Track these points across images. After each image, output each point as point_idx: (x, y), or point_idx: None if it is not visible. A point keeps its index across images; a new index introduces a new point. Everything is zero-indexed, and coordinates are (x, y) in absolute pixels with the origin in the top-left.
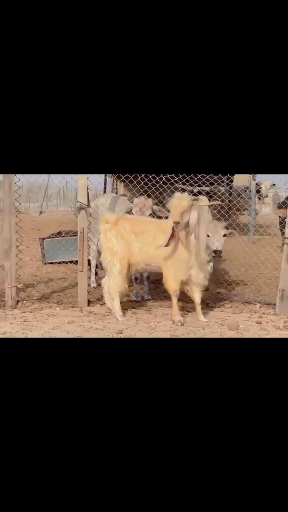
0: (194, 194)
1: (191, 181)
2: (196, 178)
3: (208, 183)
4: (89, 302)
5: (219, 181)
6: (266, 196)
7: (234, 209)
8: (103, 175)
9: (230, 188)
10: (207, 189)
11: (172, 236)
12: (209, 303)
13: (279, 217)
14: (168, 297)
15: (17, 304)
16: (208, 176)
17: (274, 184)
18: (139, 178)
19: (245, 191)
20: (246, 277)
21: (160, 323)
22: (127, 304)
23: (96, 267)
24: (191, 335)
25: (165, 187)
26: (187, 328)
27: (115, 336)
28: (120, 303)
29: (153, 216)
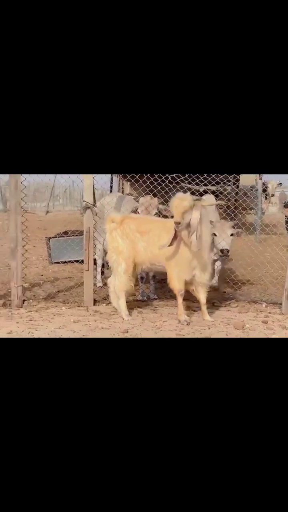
0: (200, 194)
1: (197, 180)
2: (202, 177)
3: (214, 182)
4: (95, 302)
5: (225, 180)
6: (273, 195)
7: (240, 208)
8: (109, 175)
9: (237, 187)
10: (213, 188)
11: (175, 236)
12: (215, 302)
13: (286, 216)
14: (173, 297)
15: (23, 303)
16: (214, 175)
17: (280, 183)
18: (145, 177)
19: (252, 190)
20: (252, 276)
21: (165, 323)
22: (133, 304)
23: (103, 266)
24: (197, 335)
25: (171, 186)
26: (193, 328)
27: (121, 335)
28: (126, 302)
29: (159, 215)
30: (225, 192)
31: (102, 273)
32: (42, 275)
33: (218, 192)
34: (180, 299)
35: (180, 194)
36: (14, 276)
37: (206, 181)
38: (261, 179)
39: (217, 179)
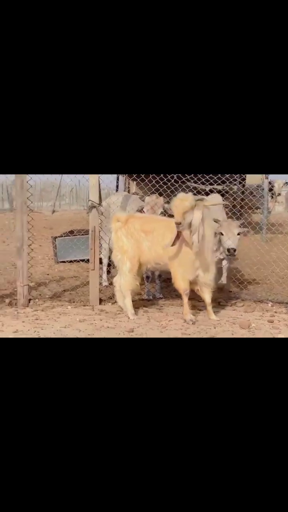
0: (206, 193)
1: (203, 180)
2: (207, 177)
3: (219, 182)
4: (100, 301)
5: (231, 180)
6: (279, 194)
7: (246, 207)
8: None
9: (243, 186)
10: (219, 187)
11: (178, 236)
12: (220, 301)
13: None
14: (179, 296)
15: (29, 302)
16: (220, 174)
17: (287, 183)
18: (150, 177)
19: (258, 189)
20: (258, 275)
21: (171, 322)
22: (139, 303)
23: (109, 265)
24: (203, 334)
25: (177, 185)
26: (198, 327)
27: (126, 334)
28: (132, 301)
29: (165, 215)
30: (231, 191)
31: (108, 272)
32: (48, 274)
33: (223, 191)
34: (185, 299)
35: (181, 194)
36: (20, 275)
37: (212, 180)
38: (267, 178)
39: (223, 178)
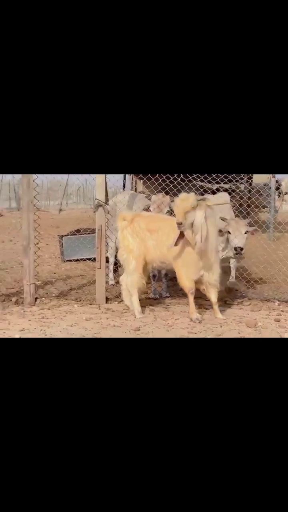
0: (213, 192)
1: (209, 178)
2: (214, 175)
3: (226, 180)
4: (107, 299)
5: (238, 178)
6: (286, 193)
7: (253, 206)
8: None
9: (250, 185)
10: (226, 186)
11: (180, 236)
12: (227, 300)
13: None
14: (185, 294)
15: (36, 301)
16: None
17: None
18: (157, 175)
19: (265, 188)
20: (265, 274)
21: (177, 320)
22: (145, 302)
23: (115, 264)
24: (209, 332)
25: (183, 184)
26: (204, 326)
27: (133, 333)
28: (138, 300)
29: (171, 214)
30: (238, 190)
31: (116, 270)
32: (54, 273)
33: (230, 190)
34: (191, 298)
35: (182, 195)
36: (26, 274)
37: (218, 179)
38: (274, 177)
39: (230, 177)
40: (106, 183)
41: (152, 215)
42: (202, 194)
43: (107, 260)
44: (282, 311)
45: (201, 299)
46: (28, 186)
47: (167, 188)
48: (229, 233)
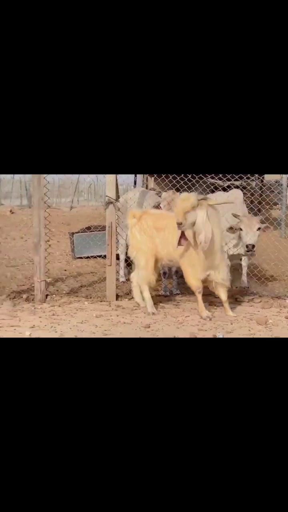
0: (224, 189)
1: (221, 175)
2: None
3: (237, 177)
4: (117, 297)
5: (250, 175)
6: None
7: (264, 203)
8: None
9: (261, 182)
10: (237, 183)
11: (182, 236)
12: (237, 297)
13: None
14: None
15: (46, 298)
16: None
17: None
18: None
19: (276, 185)
20: (276, 271)
21: (188, 318)
22: (156, 299)
23: (126, 261)
24: (219, 330)
25: (194, 181)
26: (215, 323)
27: (143, 330)
28: None
29: None
30: (249, 187)
31: (129, 265)
32: (65, 270)
33: (241, 187)
34: (199, 297)
35: (183, 194)
36: (37, 271)
37: (229, 176)
38: (286, 174)
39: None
40: (116, 180)
41: (160, 213)
42: (213, 191)
43: (117, 257)
44: None
45: (211, 296)
46: (38, 184)
47: (178, 185)
48: (241, 230)
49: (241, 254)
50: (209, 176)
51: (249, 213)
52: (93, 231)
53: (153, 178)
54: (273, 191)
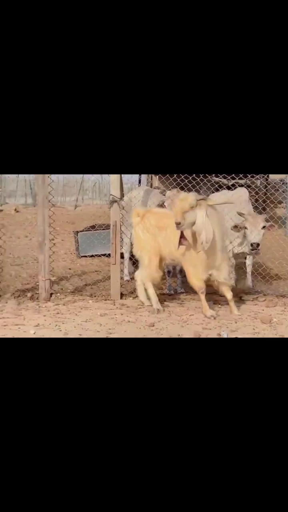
0: (228, 187)
1: (225, 174)
2: None
3: (241, 175)
4: (121, 295)
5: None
6: None
7: (269, 201)
8: None
9: (266, 180)
10: (242, 181)
11: (182, 236)
12: (242, 296)
13: None
14: None
15: (51, 296)
16: None
17: None
18: None
19: (281, 183)
20: (280, 270)
21: (192, 316)
22: (160, 297)
23: (131, 259)
24: (224, 328)
25: (198, 179)
26: (219, 321)
27: (147, 328)
28: None
29: None
30: (254, 186)
31: (134, 263)
32: (69, 269)
33: (246, 186)
34: (202, 297)
35: (182, 195)
36: (41, 269)
37: (234, 174)
38: None
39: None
40: (121, 179)
41: (162, 211)
42: (218, 190)
43: (122, 256)
44: None
45: (215, 295)
46: (43, 182)
47: (182, 184)
48: (246, 228)
49: (246, 253)
50: (213, 175)
51: (254, 211)
52: (98, 229)
53: (157, 176)
54: (278, 190)
